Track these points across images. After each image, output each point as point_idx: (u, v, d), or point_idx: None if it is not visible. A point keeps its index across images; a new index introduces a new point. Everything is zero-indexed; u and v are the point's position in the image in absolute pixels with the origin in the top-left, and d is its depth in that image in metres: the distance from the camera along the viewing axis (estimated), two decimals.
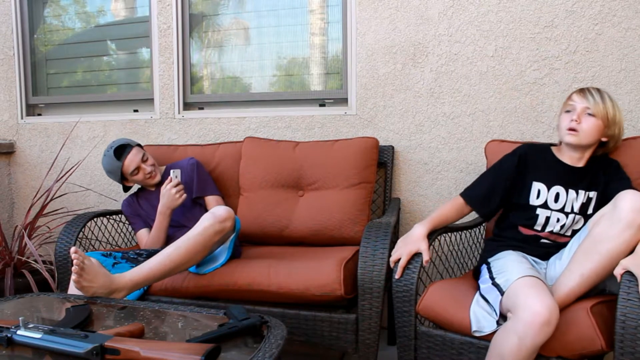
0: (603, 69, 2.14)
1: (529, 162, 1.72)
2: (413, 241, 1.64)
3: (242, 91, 2.82)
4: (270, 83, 2.76)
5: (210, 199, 2.25)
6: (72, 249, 1.51)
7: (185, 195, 2.09)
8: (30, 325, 1.20)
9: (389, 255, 1.67)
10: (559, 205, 1.65)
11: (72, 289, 1.89)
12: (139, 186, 2.37)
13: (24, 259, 2.58)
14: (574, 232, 1.64)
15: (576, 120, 1.62)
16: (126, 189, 2.34)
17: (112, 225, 2.48)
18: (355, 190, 2.17)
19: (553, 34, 2.20)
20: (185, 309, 1.50)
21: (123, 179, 2.26)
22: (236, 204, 2.36)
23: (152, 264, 1.70)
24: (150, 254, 2.07)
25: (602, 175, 1.67)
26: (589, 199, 1.64)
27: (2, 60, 3.11)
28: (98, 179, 2.95)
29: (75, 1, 3.12)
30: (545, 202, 1.66)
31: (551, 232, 1.65)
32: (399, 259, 1.62)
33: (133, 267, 1.97)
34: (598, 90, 1.65)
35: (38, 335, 1.17)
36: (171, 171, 2.11)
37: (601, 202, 1.62)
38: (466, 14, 2.31)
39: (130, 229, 2.54)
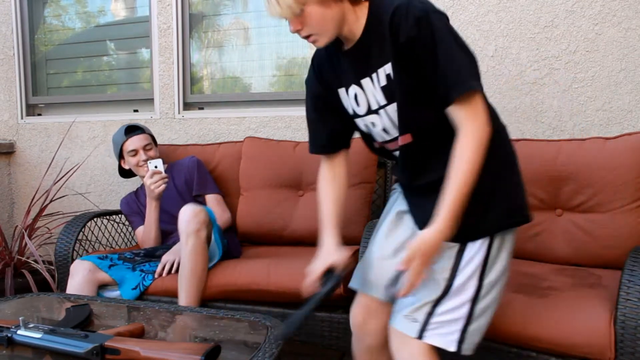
0: (603, 69, 2.14)
1: (324, 74, 1.34)
2: None
3: (242, 91, 2.82)
4: (270, 83, 2.76)
5: (210, 197, 2.25)
6: None
7: (163, 186, 2.07)
8: (31, 325, 1.20)
9: None
10: (363, 108, 1.25)
11: (71, 289, 1.90)
12: (139, 186, 2.37)
13: (24, 259, 2.58)
14: (403, 125, 1.20)
15: (299, 31, 1.16)
16: (121, 172, 2.35)
17: (112, 226, 2.48)
18: (355, 190, 2.17)
19: (553, 34, 2.20)
20: (186, 309, 1.50)
21: (121, 156, 2.27)
22: (236, 204, 2.36)
23: (186, 299, 1.79)
24: (147, 253, 2.08)
25: (387, 35, 1.14)
26: (388, 76, 1.17)
27: (2, 60, 3.11)
28: (98, 179, 2.95)
29: (76, 1, 3.12)
30: (353, 110, 1.29)
31: (383, 141, 1.28)
32: None
33: (129, 267, 1.98)
34: None
35: (38, 335, 1.17)
36: (149, 162, 2.11)
37: (405, 73, 1.14)
38: (466, 14, 2.31)
39: (130, 229, 2.54)
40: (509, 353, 1.42)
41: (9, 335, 1.19)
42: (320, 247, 1.31)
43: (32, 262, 2.51)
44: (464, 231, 1.16)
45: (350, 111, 1.30)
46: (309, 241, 2.21)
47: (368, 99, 1.23)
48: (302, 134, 2.56)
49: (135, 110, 2.92)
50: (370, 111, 1.24)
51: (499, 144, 1.21)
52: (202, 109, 2.82)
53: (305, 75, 1.44)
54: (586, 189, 1.78)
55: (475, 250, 1.18)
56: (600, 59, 2.15)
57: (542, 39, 2.21)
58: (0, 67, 3.11)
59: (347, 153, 1.42)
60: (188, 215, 1.79)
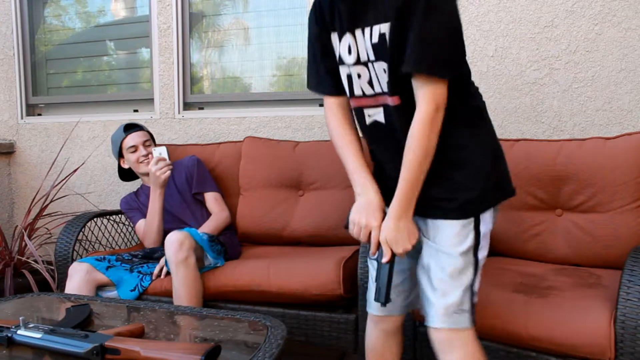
0: (603, 69, 2.14)
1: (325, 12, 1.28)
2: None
3: (242, 91, 2.82)
4: (270, 83, 2.76)
5: (209, 196, 2.25)
6: None
7: (169, 172, 2.08)
8: (31, 325, 1.20)
9: None
10: (353, 58, 1.22)
11: (69, 291, 1.90)
12: (139, 186, 2.37)
13: (24, 259, 2.58)
14: (391, 85, 1.17)
15: None
16: (121, 173, 2.35)
17: (112, 226, 2.48)
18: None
19: (553, 34, 2.20)
20: (186, 309, 1.50)
21: (120, 155, 2.29)
22: (236, 204, 2.36)
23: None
24: (145, 255, 2.08)
25: None
26: (382, 36, 1.14)
27: (2, 60, 3.11)
28: (98, 179, 2.95)
29: (76, 1, 3.12)
30: (340, 56, 1.26)
31: (363, 94, 1.24)
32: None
33: (127, 268, 1.98)
34: None
35: (38, 335, 1.17)
36: (153, 149, 2.12)
37: (399, 37, 1.12)
38: (466, 13, 2.31)
39: (130, 229, 2.54)
40: (509, 353, 1.42)
41: (9, 335, 1.19)
42: (360, 195, 1.24)
43: (32, 262, 2.51)
44: (477, 204, 1.18)
45: (337, 58, 1.26)
46: (309, 241, 2.21)
47: (359, 50, 1.20)
48: (302, 134, 2.56)
49: (135, 110, 2.92)
50: (358, 62, 1.21)
51: (489, 120, 1.26)
52: (202, 109, 2.82)
53: (304, 75, 1.45)
54: (586, 189, 1.78)
55: (486, 221, 1.19)
56: (600, 59, 2.15)
57: (542, 39, 2.21)
58: (0, 67, 3.11)
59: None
60: (174, 246, 1.79)
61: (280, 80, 2.74)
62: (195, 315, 1.44)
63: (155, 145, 2.33)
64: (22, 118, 3.11)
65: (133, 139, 2.24)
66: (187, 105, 2.82)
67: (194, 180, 2.25)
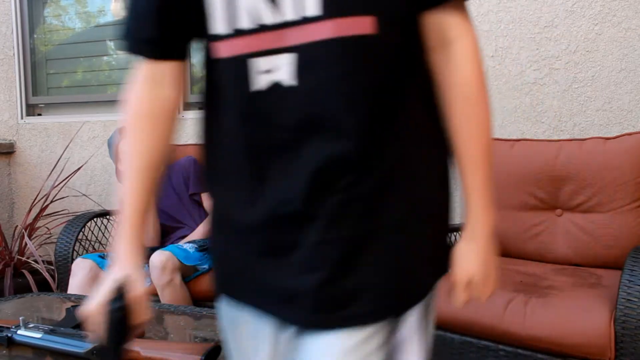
0: (603, 69, 2.14)
1: None
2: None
3: None
4: None
5: (206, 196, 2.26)
6: None
7: None
8: (31, 325, 1.20)
9: None
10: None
11: (72, 288, 1.91)
12: None
13: (24, 259, 2.58)
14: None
15: None
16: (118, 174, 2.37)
17: (112, 226, 2.48)
18: None
19: (553, 34, 2.20)
20: (186, 309, 1.51)
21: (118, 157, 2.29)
22: None
23: None
24: (146, 255, 2.09)
25: None
26: None
27: (2, 60, 3.11)
28: (98, 179, 2.95)
29: (76, 1, 3.12)
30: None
31: (258, 28, 0.63)
32: None
33: None
34: None
35: (38, 335, 1.17)
36: None
37: None
38: None
39: None
40: (509, 353, 1.42)
41: (9, 335, 1.18)
42: (115, 255, 0.75)
43: (32, 262, 2.51)
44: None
45: None
46: None
47: None
48: None
49: None
50: None
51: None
52: (202, 109, 2.81)
53: None
54: (586, 189, 1.78)
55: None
56: (600, 59, 2.15)
57: (542, 39, 2.21)
58: (0, 67, 3.11)
59: (185, 67, 0.79)
60: (157, 270, 1.82)
61: None
62: (195, 315, 1.44)
63: None
64: (22, 118, 3.11)
65: None
66: (187, 105, 2.81)
67: (190, 180, 2.25)
